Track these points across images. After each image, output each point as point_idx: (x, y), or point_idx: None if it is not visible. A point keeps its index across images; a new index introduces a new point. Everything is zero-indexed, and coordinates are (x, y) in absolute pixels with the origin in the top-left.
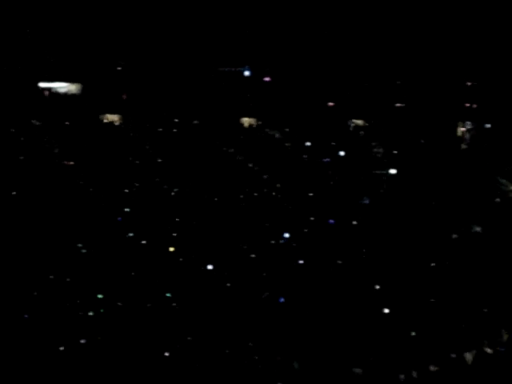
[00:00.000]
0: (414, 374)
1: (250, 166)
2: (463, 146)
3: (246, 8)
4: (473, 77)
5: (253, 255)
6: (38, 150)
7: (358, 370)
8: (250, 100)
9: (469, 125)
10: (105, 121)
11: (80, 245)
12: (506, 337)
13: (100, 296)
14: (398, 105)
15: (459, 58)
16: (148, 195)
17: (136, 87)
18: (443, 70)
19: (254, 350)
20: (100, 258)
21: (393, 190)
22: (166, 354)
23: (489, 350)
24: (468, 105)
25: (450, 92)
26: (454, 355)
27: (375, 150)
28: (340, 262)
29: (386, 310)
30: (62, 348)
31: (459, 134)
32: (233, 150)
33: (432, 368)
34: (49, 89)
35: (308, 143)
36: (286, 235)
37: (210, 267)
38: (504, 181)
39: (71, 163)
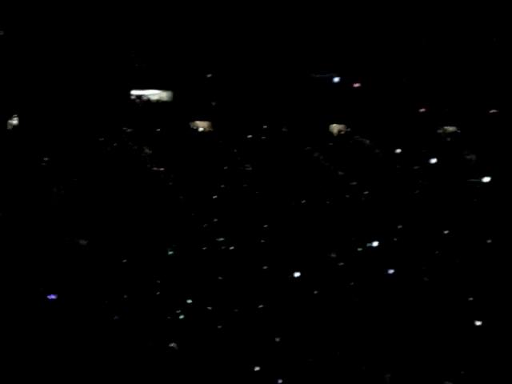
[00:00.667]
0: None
1: (340, 173)
2: None
3: (334, 15)
4: None
5: (341, 263)
6: (130, 156)
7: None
8: (339, 106)
9: None
10: (195, 128)
11: (168, 249)
12: None
13: (189, 301)
14: (492, 111)
15: None
16: (236, 201)
17: (225, 94)
18: None
19: (342, 356)
20: (188, 262)
21: (487, 198)
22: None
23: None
24: None
25: None
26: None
27: (468, 157)
28: (427, 270)
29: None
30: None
31: None
32: (322, 157)
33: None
34: (140, 96)
35: (398, 150)
36: (375, 244)
37: (296, 274)
38: None
39: (161, 169)
